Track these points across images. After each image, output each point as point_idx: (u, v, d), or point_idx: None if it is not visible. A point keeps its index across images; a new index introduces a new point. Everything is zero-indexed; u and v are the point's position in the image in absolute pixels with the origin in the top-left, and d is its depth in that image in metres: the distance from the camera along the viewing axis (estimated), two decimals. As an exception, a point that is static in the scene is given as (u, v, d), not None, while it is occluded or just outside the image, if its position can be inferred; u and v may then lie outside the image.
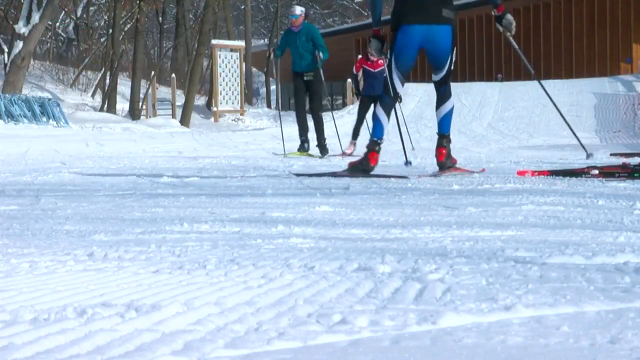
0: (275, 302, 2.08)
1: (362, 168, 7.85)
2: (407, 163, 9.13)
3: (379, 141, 7.97)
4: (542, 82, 10.99)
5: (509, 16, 7.88)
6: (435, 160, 8.25)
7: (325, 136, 14.82)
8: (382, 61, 15.14)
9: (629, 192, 5.82)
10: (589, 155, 8.33)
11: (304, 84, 14.78)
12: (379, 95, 8.60)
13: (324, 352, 1.63)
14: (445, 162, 8.04)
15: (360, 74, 16.99)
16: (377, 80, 15.60)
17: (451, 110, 8.14)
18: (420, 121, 29.31)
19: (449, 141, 8.10)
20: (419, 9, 7.55)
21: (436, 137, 8.09)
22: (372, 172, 7.83)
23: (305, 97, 14.87)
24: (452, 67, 7.96)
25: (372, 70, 16.50)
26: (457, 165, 8.21)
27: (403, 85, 8.04)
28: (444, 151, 8.04)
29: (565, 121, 9.27)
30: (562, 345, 1.65)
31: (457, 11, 9.30)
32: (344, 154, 14.93)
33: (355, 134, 16.03)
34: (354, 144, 15.78)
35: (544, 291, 2.21)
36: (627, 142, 21.89)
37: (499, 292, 2.19)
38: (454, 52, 7.89)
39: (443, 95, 8.09)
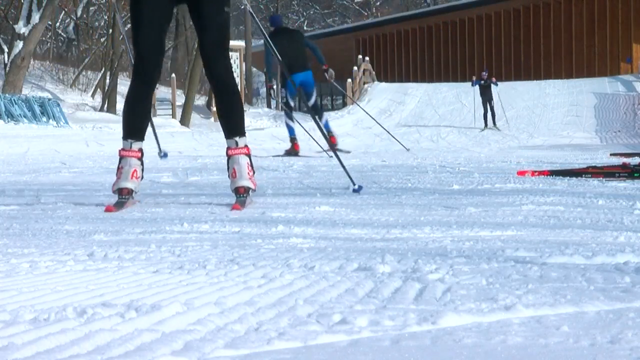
0: (275, 302, 2.08)
1: (294, 153, 14.50)
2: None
3: (295, 137, 14.86)
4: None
5: (331, 70, 15.37)
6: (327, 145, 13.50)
7: None
8: None
9: (629, 192, 5.82)
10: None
11: None
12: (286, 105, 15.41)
13: (324, 352, 1.63)
14: (335, 144, 14.14)
15: None
16: None
17: (327, 120, 15.22)
18: (420, 121, 29.31)
19: (332, 134, 14.66)
20: (297, 65, 14.17)
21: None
22: (299, 154, 14.36)
23: None
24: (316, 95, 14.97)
25: None
26: (339, 147, 14.43)
27: (294, 103, 15.10)
28: (334, 138, 14.54)
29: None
30: (562, 345, 1.65)
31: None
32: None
33: None
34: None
35: (544, 291, 2.20)
36: (627, 142, 21.89)
37: (499, 292, 2.18)
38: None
39: (322, 112, 15.25)
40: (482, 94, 28.06)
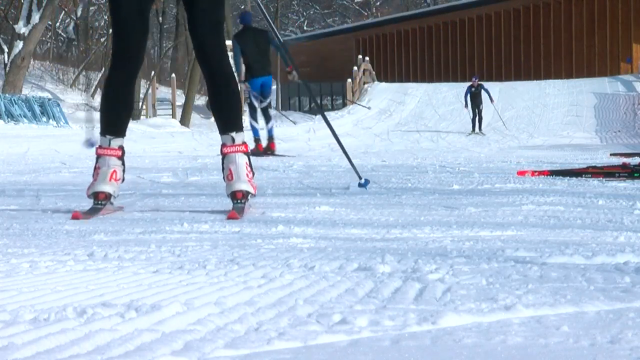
0: (275, 302, 2.08)
1: (257, 154, 14.57)
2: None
3: (259, 138, 15.52)
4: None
5: (294, 72, 14.55)
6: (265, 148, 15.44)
7: None
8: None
9: (629, 192, 5.82)
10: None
11: None
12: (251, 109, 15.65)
13: (324, 352, 1.63)
14: (274, 150, 15.51)
15: None
16: None
17: (273, 127, 15.76)
18: (420, 121, 29.31)
19: (273, 140, 15.63)
20: (259, 68, 14.91)
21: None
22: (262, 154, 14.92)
23: None
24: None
25: None
26: (278, 153, 15.62)
27: (259, 104, 15.28)
28: (273, 145, 15.64)
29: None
30: (562, 345, 1.65)
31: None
32: None
33: None
34: None
35: (544, 291, 2.20)
36: (627, 142, 21.89)
37: (499, 292, 2.18)
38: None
39: (270, 116, 15.71)
40: (472, 99, 27.33)
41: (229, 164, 4.69)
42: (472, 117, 26.98)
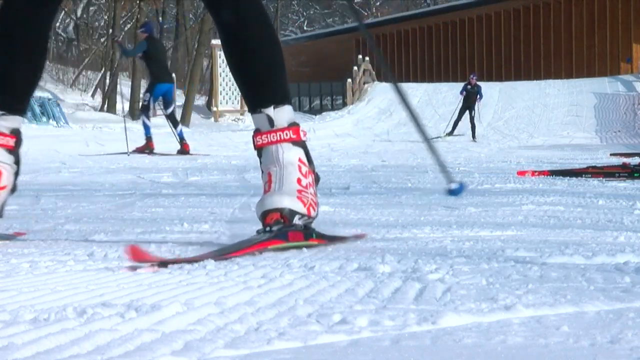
0: (275, 302, 2.08)
1: (148, 150, 16.52)
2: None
3: (151, 136, 16.84)
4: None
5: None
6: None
7: None
8: None
9: (629, 192, 5.83)
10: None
11: None
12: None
13: (324, 352, 1.63)
14: (188, 151, 16.60)
15: None
16: None
17: (182, 129, 17.27)
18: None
19: (185, 141, 16.87)
20: (166, 74, 16.97)
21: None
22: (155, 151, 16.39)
23: None
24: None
25: None
26: (193, 153, 16.68)
27: (163, 111, 17.27)
28: (187, 146, 16.84)
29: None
30: (562, 345, 1.65)
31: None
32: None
33: None
34: None
35: (544, 291, 2.20)
36: (627, 142, 21.90)
37: (499, 292, 2.18)
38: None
39: (177, 121, 17.45)
40: (465, 100, 25.91)
41: (269, 165, 2.88)
42: (456, 118, 25.46)
